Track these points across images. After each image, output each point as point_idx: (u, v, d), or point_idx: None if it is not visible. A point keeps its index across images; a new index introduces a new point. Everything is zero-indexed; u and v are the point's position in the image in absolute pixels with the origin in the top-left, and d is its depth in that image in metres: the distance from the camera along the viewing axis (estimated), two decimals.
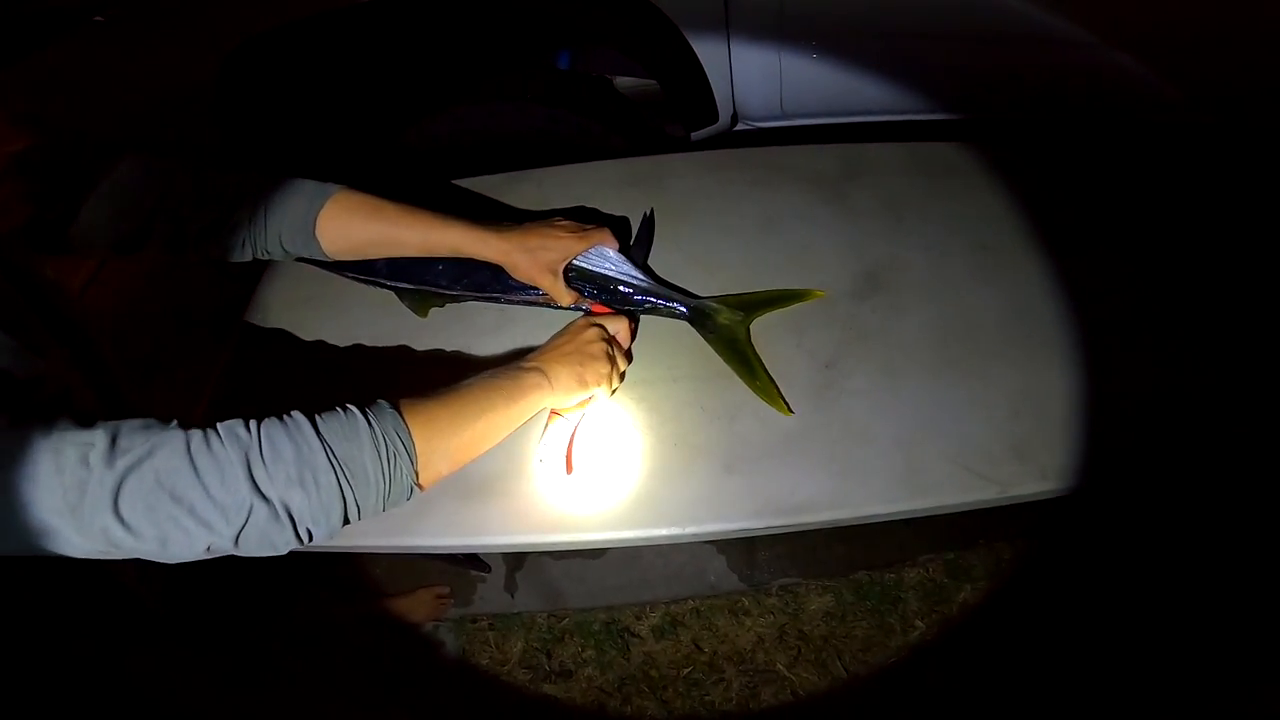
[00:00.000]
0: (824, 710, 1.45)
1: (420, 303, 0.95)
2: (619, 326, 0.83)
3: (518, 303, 0.93)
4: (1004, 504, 0.77)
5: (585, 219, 0.90)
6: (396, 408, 0.62)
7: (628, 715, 1.49)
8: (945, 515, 0.77)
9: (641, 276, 0.89)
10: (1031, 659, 1.40)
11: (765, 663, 1.49)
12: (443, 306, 0.95)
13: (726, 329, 0.86)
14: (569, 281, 0.87)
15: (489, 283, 0.90)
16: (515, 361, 0.74)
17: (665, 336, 0.88)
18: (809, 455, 0.78)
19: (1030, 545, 1.51)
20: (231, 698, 1.52)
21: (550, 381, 0.72)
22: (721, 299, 0.89)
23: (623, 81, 1.45)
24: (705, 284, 0.92)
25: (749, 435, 0.80)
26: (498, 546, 0.79)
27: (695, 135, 1.36)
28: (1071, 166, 1.03)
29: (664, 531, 0.76)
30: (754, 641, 1.50)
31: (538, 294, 0.89)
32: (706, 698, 1.48)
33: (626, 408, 0.84)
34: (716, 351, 0.86)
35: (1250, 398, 0.80)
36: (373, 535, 0.79)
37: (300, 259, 0.85)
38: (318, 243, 0.81)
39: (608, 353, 0.78)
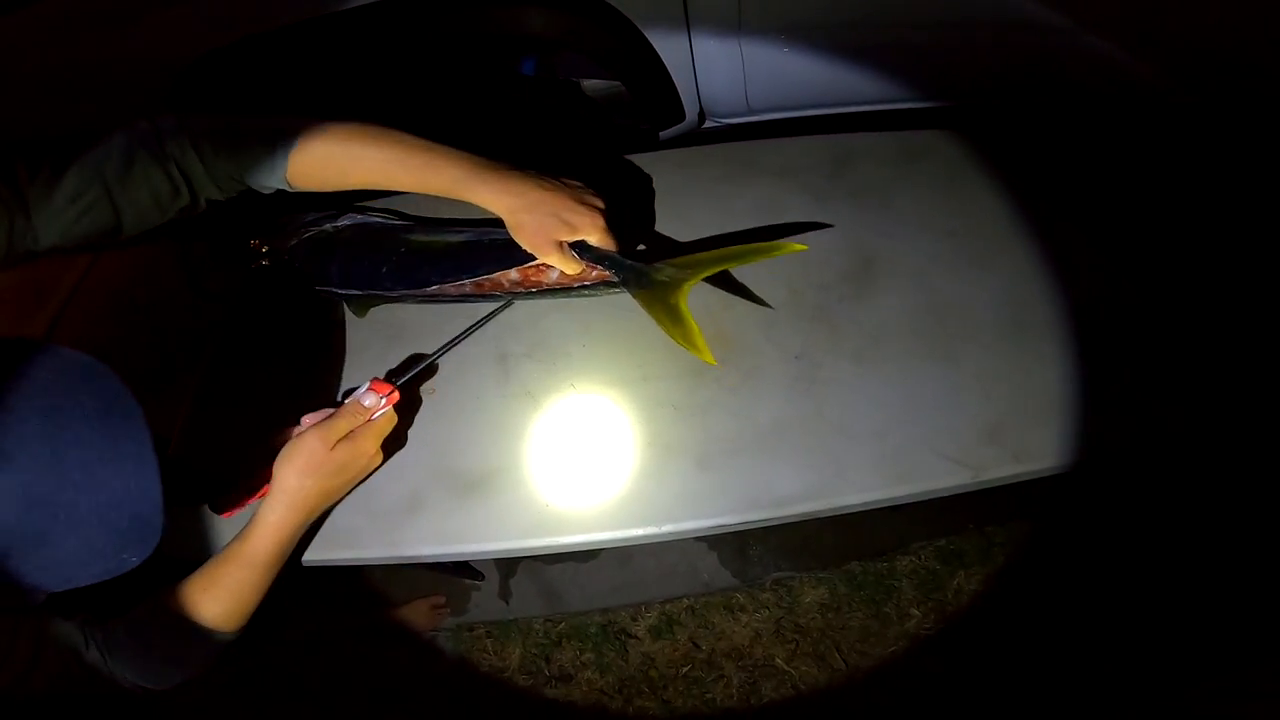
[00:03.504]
0: (825, 702, 1.45)
1: (361, 305, 0.94)
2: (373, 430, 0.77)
3: (456, 299, 0.90)
4: (980, 488, 0.76)
5: None
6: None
7: (630, 716, 1.49)
8: (933, 501, 0.77)
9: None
10: (1027, 642, 1.40)
11: (764, 657, 1.49)
12: (379, 305, 0.94)
13: (664, 285, 0.79)
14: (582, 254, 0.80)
15: (427, 280, 0.87)
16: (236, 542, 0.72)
17: (634, 335, 0.88)
18: (783, 448, 0.78)
19: (1022, 528, 1.51)
20: (230, 710, 1.52)
21: (294, 515, 0.72)
22: (668, 261, 0.82)
23: (591, 84, 1.45)
24: None
25: (722, 431, 0.80)
26: (479, 554, 0.78)
27: (664, 134, 1.35)
28: (1043, 152, 1.02)
29: (640, 531, 0.76)
30: (751, 637, 1.50)
31: (474, 286, 0.86)
32: (707, 695, 1.48)
33: (599, 409, 0.83)
34: (643, 305, 0.81)
35: (1228, 379, 0.80)
36: (363, 547, 0.79)
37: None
38: (287, 181, 0.75)
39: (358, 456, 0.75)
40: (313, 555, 0.79)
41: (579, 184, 0.79)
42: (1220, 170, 1.00)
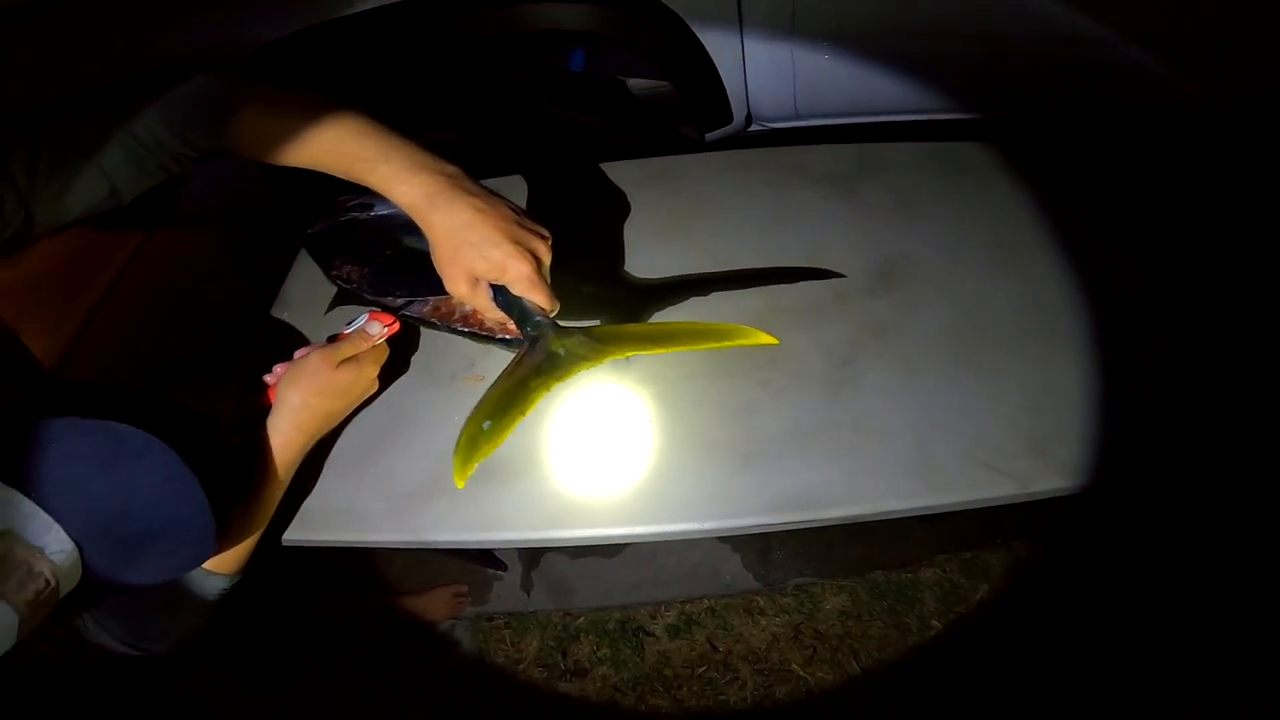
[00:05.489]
0: (839, 710, 1.45)
1: (336, 301, 0.93)
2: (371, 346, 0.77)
3: (420, 320, 0.85)
4: (1022, 500, 0.76)
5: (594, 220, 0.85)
6: None
7: (642, 713, 1.50)
8: (962, 514, 0.77)
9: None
10: (1048, 660, 1.39)
11: (780, 662, 1.49)
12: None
13: (554, 360, 0.71)
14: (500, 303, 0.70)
15: (387, 290, 0.84)
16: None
17: None
18: (826, 451, 0.78)
19: (1047, 545, 1.50)
20: (246, 694, 1.55)
21: (299, 436, 0.72)
22: (587, 329, 0.74)
23: (636, 83, 1.46)
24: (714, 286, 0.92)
25: (766, 431, 0.80)
26: (513, 542, 0.79)
27: (709, 136, 1.36)
28: (1088, 164, 1.03)
29: (679, 527, 0.76)
30: (769, 641, 1.50)
31: (430, 309, 0.82)
32: (721, 697, 1.48)
33: (642, 402, 0.84)
34: (503, 377, 0.74)
35: (1268, 395, 0.79)
36: (382, 530, 0.79)
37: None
38: (224, 142, 0.70)
39: (360, 380, 0.75)
40: (334, 536, 0.79)
41: (526, 215, 0.70)
42: (1257, 186, 0.99)
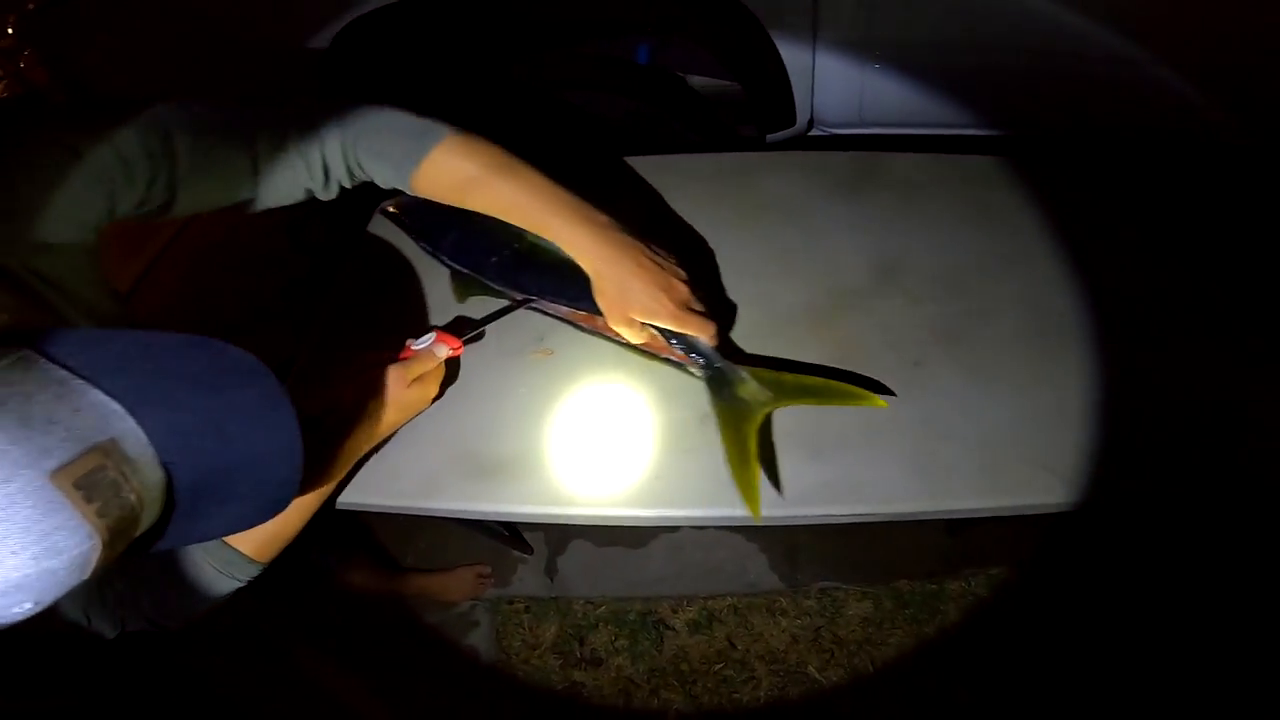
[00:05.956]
0: (851, 716, 1.46)
1: (461, 288, 0.95)
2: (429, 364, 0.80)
3: (555, 316, 0.90)
4: (1085, 509, 0.78)
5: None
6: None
7: (653, 707, 1.50)
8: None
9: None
10: (1067, 680, 1.40)
11: (797, 664, 1.50)
12: (477, 294, 0.94)
13: (744, 404, 0.78)
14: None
15: (526, 286, 0.86)
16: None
17: (743, 325, 0.90)
18: (896, 448, 0.80)
19: (1075, 565, 1.51)
20: (261, 665, 1.55)
21: (363, 442, 0.75)
22: (755, 371, 0.80)
23: (698, 80, 1.48)
24: (786, 283, 0.94)
25: (836, 424, 0.81)
26: (588, 519, 0.80)
27: (770, 137, 1.38)
28: (1147, 182, 1.05)
29: (744, 513, 0.78)
30: (788, 642, 1.51)
31: (569, 312, 0.86)
32: (734, 695, 1.49)
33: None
34: (717, 418, 0.79)
35: None
36: (442, 498, 0.81)
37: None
38: (410, 185, 0.77)
39: (425, 398, 0.80)
40: (387, 501, 0.81)
41: (674, 261, 0.79)
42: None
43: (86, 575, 0.39)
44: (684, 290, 0.77)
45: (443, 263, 0.95)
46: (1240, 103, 1.20)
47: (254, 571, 0.72)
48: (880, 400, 0.78)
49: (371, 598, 1.59)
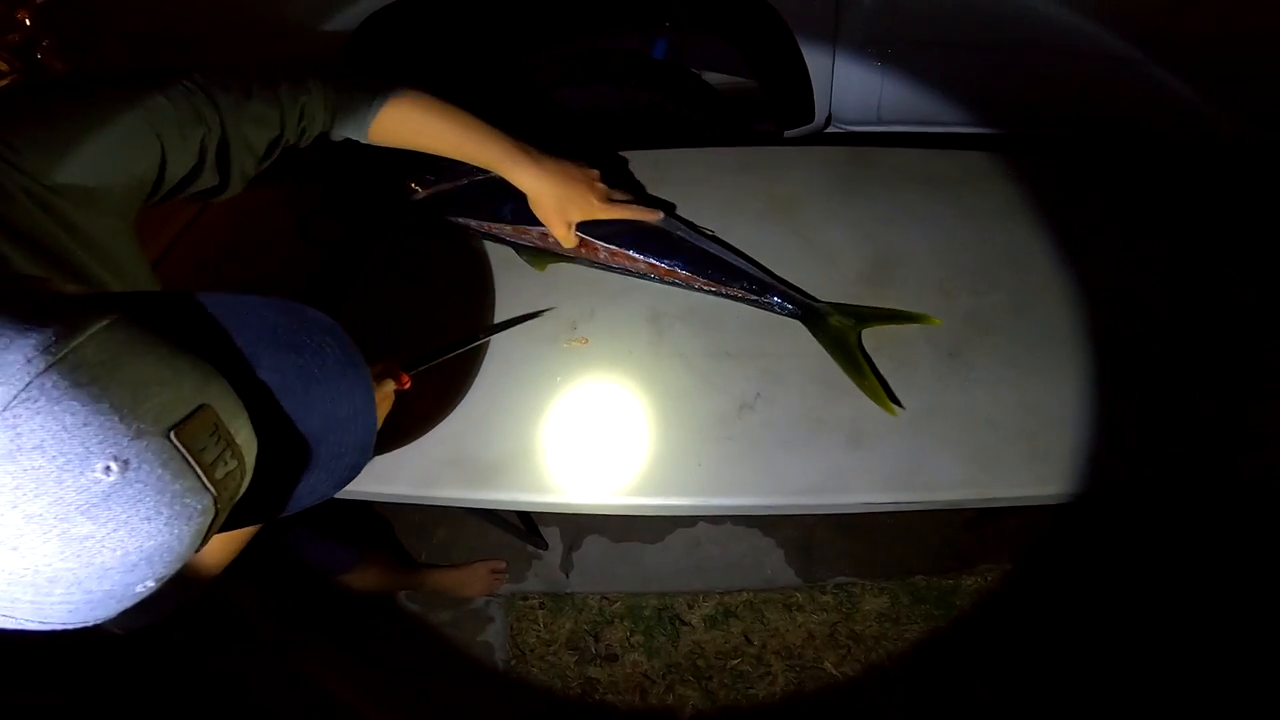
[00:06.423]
0: (867, 712, 1.46)
1: (538, 259, 0.99)
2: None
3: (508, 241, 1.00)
4: (1128, 496, 0.79)
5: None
6: None
7: (669, 703, 1.50)
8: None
9: (754, 268, 0.93)
10: (1085, 673, 1.40)
11: (814, 659, 1.49)
12: (553, 261, 0.99)
13: (838, 332, 0.89)
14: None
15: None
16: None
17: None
18: (934, 436, 0.80)
19: (1090, 560, 1.51)
20: (277, 660, 1.53)
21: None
22: (834, 305, 0.91)
23: (714, 76, 1.48)
24: (825, 274, 0.95)
25: (874, 411, 0.82)
26: (622, 508, 0.81)
27: (788, 133, 1.39)
28: (1173, 182, 1.06)
29: (788, 501, 0.78)
30: (804, 638, 1.51)
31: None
32: (750, 690, 1.48)
33: (750, 377, 0.86)
34: (826, 351, 0.88)
35: None
36: (453, 487, 0.81)
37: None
38: (368, 136, 0.81)
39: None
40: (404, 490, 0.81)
41: (572, 163, 0.90)
42: None
43: (200, 546, 0.37)
44: (603, 187, 0.91)
45: (503, 241, 1.00)
46: (1246, 106, 1.21)
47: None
48: (935, 319, 0.89)
49: (385, 593, 1.58)
